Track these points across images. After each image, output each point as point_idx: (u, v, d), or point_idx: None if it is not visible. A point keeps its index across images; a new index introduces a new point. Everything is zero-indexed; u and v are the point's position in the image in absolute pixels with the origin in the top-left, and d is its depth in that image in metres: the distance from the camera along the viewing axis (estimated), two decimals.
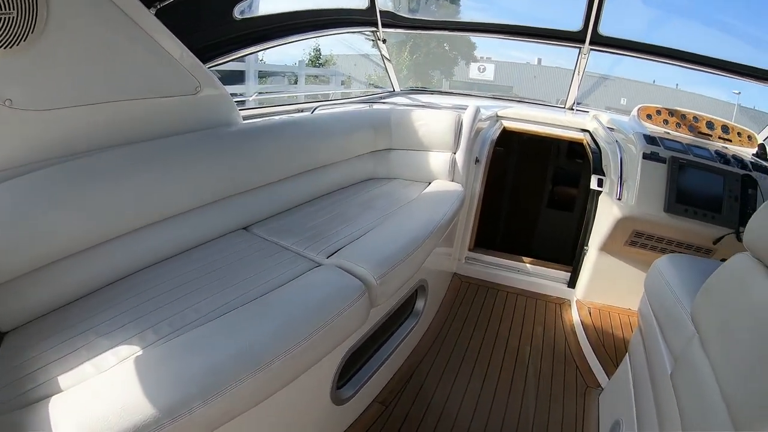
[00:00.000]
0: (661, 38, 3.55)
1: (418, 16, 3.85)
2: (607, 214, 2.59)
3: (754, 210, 2.34)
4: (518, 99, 4.66)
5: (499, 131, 3.34)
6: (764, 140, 3.57)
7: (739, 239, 2.25)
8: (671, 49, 3.48)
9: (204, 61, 2.16)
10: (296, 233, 1.96)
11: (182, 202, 1.82)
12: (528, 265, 3.11)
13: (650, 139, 2.55)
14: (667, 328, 1.49)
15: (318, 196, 2.42)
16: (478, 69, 25.07)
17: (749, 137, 3.49)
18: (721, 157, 2.51)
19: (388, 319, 1.97)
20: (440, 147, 2.75)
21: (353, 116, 2.69)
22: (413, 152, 2.81)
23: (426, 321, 2.52)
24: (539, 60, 23.28)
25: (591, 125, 3.42)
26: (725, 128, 3.45)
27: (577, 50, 3.67)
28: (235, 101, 2.35)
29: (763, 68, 3.43)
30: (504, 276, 3.10)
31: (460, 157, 2.74)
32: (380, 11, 3.29)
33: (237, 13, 2.46)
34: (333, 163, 2.50)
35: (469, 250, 3.13)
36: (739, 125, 3.50)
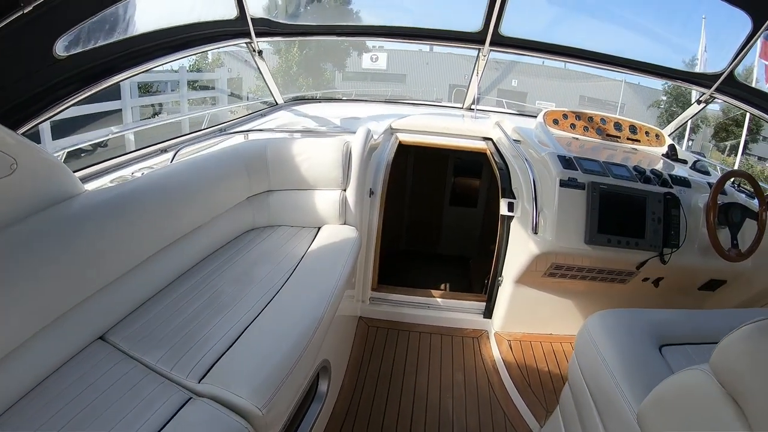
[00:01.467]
0: (564, 35, 3.40)
1: (299, 21, 3.42)
2: (522, 247, 2.35)
3: (678, 230, 2.21)
4: (412, 101, 4.42)
5: (395, 148, 3.04)
6: (670, 135, 3.56)
7: (663, 261, 2.19)
8: (572, 48, 3.37)
9: (15, 125, 1.59)
10: (163, 340, 1.57)
11: (9, 328, 1.31)
12: (438, 299, 2.81)
13: (566, 162, 2.29)
14: (606, 413, 1.42)
15: (188, 269, 1.94)
16: (371, 59, 25.10)
17: (657, 136, 3.43)
18: (641, 174, 2.33)
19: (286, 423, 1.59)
20: (327, 184, 2.35)
21: (222, 158, 2.22)
22: (297, 192, 2.38)
23: (332, 398, 2.16)
24: (431, 47, 23.56)
25: (494, 134, 3.19)
26: (633, 128, 3.35)
27: (477, 51, 3.47)
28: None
29: (661, 65, 3.38)
30: (414, 314, 2.78)
31: (351, 194, 2.36)
32: (252, 19, 2.83)
33: (60, 49, 1.78)
34: (202, 224, 2.03)
35: (373, 290, 2.78)
36: (647, 124, 3.41)
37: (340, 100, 4.44)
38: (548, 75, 21.85)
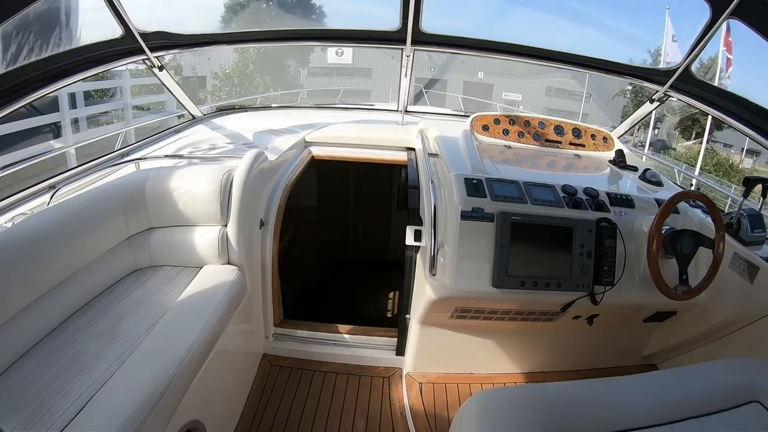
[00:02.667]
0: (505, 30, 3.07)
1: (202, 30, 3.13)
2: (421, 287, 2.05)
3: (613, 264, 1.90)
4: (345, 106, 4.23)
5: (305, 164, 2.85)
6: (620, 137, 3.16)
7: (595, 301, 1.92)
8: (509, 44, 3.09)
9: None
10: (18, 407, 1.46)
11: None
12: (346, 335, 2.55)
13: (473, 187, 1.93)
14: None
15: (59, 324, 1.78)
16: (336, 53, 24.66)
17: (605, 139, 3.03)
18: (570, 196, 2.00)
19: None
20: (206, 220, 2.12)
21: (96, 197, 2.03)
22: (178, 229, 2.16)
23: None
24: None
25: (417, 143, 2.91)
26: (576, 132, 2.97)
27: (400, 51, 3.18)
28: None
29: (609, 60, 2.99)
30: (321, 351, 2.53)
31: (233, 229, 2.10)
32: (143, 35, 2.55)
33: None
34: (74, 274, 1.86)
35: (276, 325, 2.55)
36: (593, 126, 3.05)
37: (269, 107, 4.25)
38: (515, 66, 21.62)
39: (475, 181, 1.94)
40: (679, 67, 2.62)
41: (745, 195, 2.07)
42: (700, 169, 13.49)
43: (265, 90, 18.63)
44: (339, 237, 4.27)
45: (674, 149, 18.76)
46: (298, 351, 2.55)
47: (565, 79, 20.05)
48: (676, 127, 19.92)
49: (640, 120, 3.20)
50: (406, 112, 3.66)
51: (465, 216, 1.85)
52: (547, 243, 1.89)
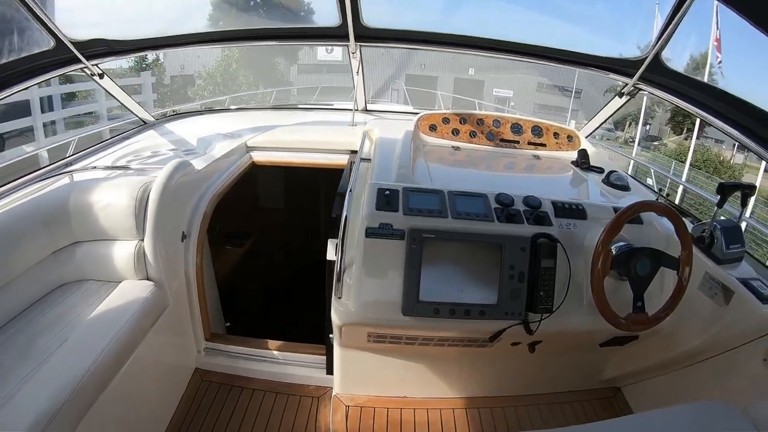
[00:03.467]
0: (466, 22, 2.85)
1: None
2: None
3: (551, 289, 1.63)
4: (303, 106, 4.11)
5: (242, 169, 2.71)
6: (587, 137, 2.86)
7: (530, 330, 1.67)
8: (466, 36, 2.83)
9: None
10: None
11: None
12: (276, 351, 2.42)
13: (384, 198, 1.71)
14: None
15: None
16: (326, 50, 24.48)
17: (570, 137, 2.74)
18: (503, 207, 1.75)
19: None
20: (123, 234, 2.07)
21: (18, 213, 2.00)
22: (102, 243, 2.14)
23: None
24: None
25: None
26: (537, 130, 2.69)
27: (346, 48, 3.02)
28: None
29: (575, 50, 2.70)
30: (252, 368, 2.42)
31: (149, 244, 2.02)
32: (77, 43, 2.44)
33: None
34: None
35: (208, 339, 2.46)
36: (557, 124, 2.77)
37: (226, 110, 4.15)
38: (505, 62, 21.33)
39: (387, 192, 1.70)
40: (647, 56, 2.31)
41: (720, 204, 1.77)
42: (690, 165, 13.21)
43: (248, 88, 18.31)
44: (303, 241, 4.13)
45: (665, 145, 18.50)
46: (229, 366, 2.44)
47: (556, 74, 19.75)
48: (667, 122, 19.66)
49: (609, 117, 2.90)
50: (366, 111, 3.50)
51: (370, 233, 1.62)
52: (469, 264, 1.65)
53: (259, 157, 2.87)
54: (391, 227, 1.62)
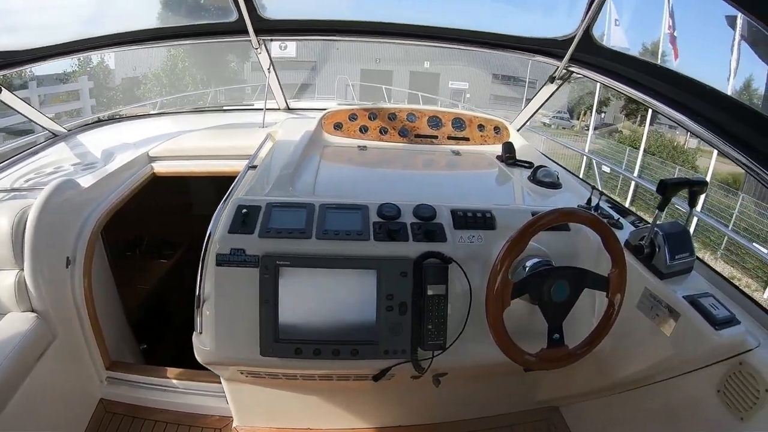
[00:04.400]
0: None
1: None
2: None
3: (443, 321, 1.37)
4: (226, 107, 3.88)
5: (139, 183, 2.50)
6: (519, 129, 2.58)
7: (420, 368, 1.42)
8: (372, 23, 2.59)
9: None
10: None
11: None
12: (177, 380, 2.24)
13: (241, 217, 1.45)
14: None
15: None
16: (280, 47, 23.92)
17: (497, 129, 2.44)
18: (386, 221, 1.47)
19: None
20: (2, 263, 1.91)
21: None
22: None
23: None
24: None
25: None
26: (458, 123, 2.43)
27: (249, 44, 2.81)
28: None
29: (499, 33, 2.40)
30: (155, 398, 2.25)
31: (30, 273, 1.86)
32: None
33: None
34: None
35: (108, 368, 2.28)
36: (483, 115, 2.51)
37: (149, 115, 3.89)
38: (460, 54, 21.25)
39: (245, 209, 1.44)
40: (575, 35, 2.01)
41: (661, 206, 1.46)
42: (644, 151, 13.32)
43: (196, 88, 17.65)
44: None
45: (620, 132, 18.72)
46: (132, 397, 2.29)
47: (511, 64, 19.72)
48: (621, 109, 19.90)
49: (541, 105, 2.61)
50: (289, 110, 3.28)
51: (221, 260, 1.38)
52: (339, 294, 1.40)
53: (160, 167, 2.64)
54: (244, 253, 1.37)
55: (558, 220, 1.28)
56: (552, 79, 2.32)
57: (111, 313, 2.40)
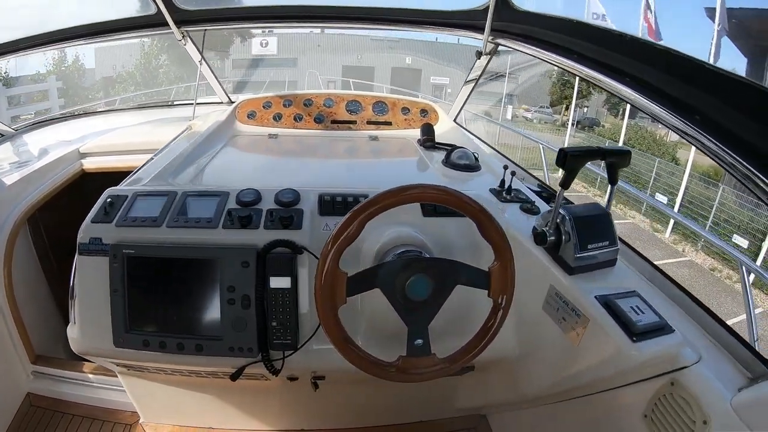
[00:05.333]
0: None
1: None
2: None
3: (294, 314, 1.28)
4: (171, 103, 3.86)
5: (64, 180, 2.45)
6: (456, 116, 2.40)
7: (273, 370, 1.31)
8: (296, 6, 2.50)
9: None
10: None
11: None
12: (91, 374, 2.22)
13: (105, 206, 1.43)
14: None
15: None
16: (261, 44, 23.79)
17: (424, 112, 2.26)
18: (243, 207, 1.41)
19: None
20: None
21: None
22: None
23: None
24: (322, 29, 22.10)
25: None
26: (380, 107, 2.30)
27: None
28: None
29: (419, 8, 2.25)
30: (76, 392, 2.24)
31: None
32: None
33: None
34: None
35: (33, 363, 2.26)
36: (408, 98, 2.38)
37: (85, 113, 3.87)
38: (441, 49, 21.11)
39: (110, 199, 1.43)
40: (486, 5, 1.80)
41: (564, 183, 1.16)
42: (624, 144, 13.23)
43: (170, 84, 17.37)
44: None
45: (603, 126, 18.64)
46: (56, 391, 2.30)
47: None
48: (603, 103, 19.84)
49: (476, 83, 2.39)
50: (231, 103, 3.18)
51: (82, 249, 1.37)
52: (182, 286, 1.32)
53: (90, 164, 2.64)
54: (100, 242, 1.34)
55: (397, 202, 1.03)
56: (479, 55, 2.11)
57: (40, 308, 2.40)
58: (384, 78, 20.28)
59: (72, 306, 1.41)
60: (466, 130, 2.47)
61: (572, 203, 1.56)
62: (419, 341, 1.06)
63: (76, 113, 3.60)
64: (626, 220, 11.39)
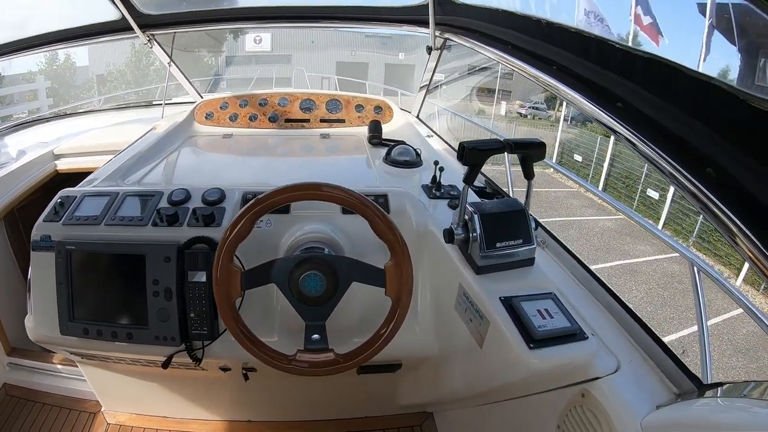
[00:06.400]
0: None
1: None
2: None
3: (208, 306, 1.33)
4: (148, 103, 3.94)
5: (42, 179, 2.51)
6: (417, 114, 2.41)
7: (195, 359, 1.41)
8: (256, 7, 2.62)
9: None
10: None
11: None
12: (59, 365, 2.32)
13: (56, 207, 1.52)
14: None
15: None
16: (254, 41, 23.70)
17: (378, 109, 2.28)
18: (172, 206, 1.49)
19: None
20: None
21: None
22: None
23: None
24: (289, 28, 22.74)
25: None
26: (334, 104, 2.37)
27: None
28: None
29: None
30: (47, 383, 2.34)
31: None
32: None
33: None
34: None
35: (8, 354, 2.35)
36: (363, 95, 2.44)
37: (72, 114, 3.83)
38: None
39: (61, 200, 1.53)
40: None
41: (467, 179, 1.14)
42: (616, 140, 13.18)
43: (160, 82, 17.36)
44: None
45: (591, 122, 18.57)
46: (30, 382, 2.38)
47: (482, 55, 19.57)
48: None
49: (430, 80, 2.38)
50: None
51: (35, 246, 1.48)
52: (116, 279, 1.43)
53: (63, 165, 2.69)
54: (50, 239, 1.45)
55: (287, 200, 1.08)
56: (429, 50, 2.09)
57: (16, 303, 2.44)
58: (378, 73, 20.24)
59: (29, 298, 1.51)
60: (426, 126, 2.46)
61: (496, 198, 1.55)
62: (316, 336, 1.08)
63: (60, 113, 3.66)
64: (617, 216, 11.34)
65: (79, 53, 19.54)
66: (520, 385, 1.10)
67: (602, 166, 13.38)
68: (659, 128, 0.95)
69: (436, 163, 1.55)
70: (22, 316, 2.43)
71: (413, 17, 2.09)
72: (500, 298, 1.08)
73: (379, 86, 16.42)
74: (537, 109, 19.91)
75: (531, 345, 0.97)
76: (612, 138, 13.12)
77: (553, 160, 12.61)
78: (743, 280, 9.25)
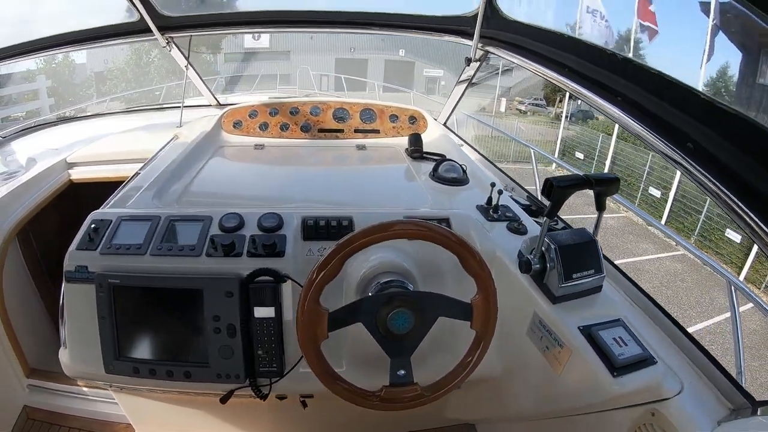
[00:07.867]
0: None
1: None
2: None
3: (278, 342, 1.29)
4: (159, 106, 3.74)
5: (56, 190, 2.43)
6: (445, 121, 2.36)
7: (261, 395, 1.33)
8: (278, 11, 2.52)
9: None
10: None
11: None
12: (86, 387, 2.21)
13: (90, 233, 1.37)
14: None
15: None
16: (253, 37, 23.58)
17: (413, 119, 2.23)
18: (225, 234, 1.36)
19: None
20: None
21: None
22: None
23: None
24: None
25: None
26: (368, 114, 2.30)
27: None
28: None
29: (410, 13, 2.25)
30: (71, 405, 2.23)
31: None
32: None
33: None
34: None
35: (28, 376, 2.22)
36: (397, 104, 2.36)
37: (78, 118, 3.71)
38: (432, 42, 21.02)
39: (95, 225, 1.39)
40: (479, 8, 1.76)
41: (550, 213, 1.16)
42: (618, 138, 13.23)
43: (161, 81, 17.24)
44: None
45: (596, 119, 18.64)
46: (52, 404, 2.28)
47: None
48: None
49: (465, 90, 2.36)
50: (220, 106, 3.15)
51: (69, 277, 1.34)
52: (168, 315, 1.31)
53: (77, 174, 2.58)
54: (87, 270, 1.31)
55: (379, 239, 1.02)
56: (468, 61, 2.07)
57: (33, 321, 2.38)
58: (377, 70, 20.18)
59: (63, 329, 1.40)
60: (456, 134, 2.44)
61: (563, 223, 1.54)
62: (402, 372, 1.05)
63: (65, 116, 3.51)
64: (619, 214, 11.38)
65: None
66: (594, 405, 1.12)
67: (604, 164, 13.38)
68: (730, 172, 0.97)
69: (492, 184, 1.53)
70: (41, 335, 2.39)
71: (456, 28, 2.06)
72: (579, 327, 1.09)
73: (378, 85, 16.36)
74: (537, 105, 19.94)
75: (614, 374, 1.01)
76: (614, 137, 13.16)
77: (555, 156, 12.60)
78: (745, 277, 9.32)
